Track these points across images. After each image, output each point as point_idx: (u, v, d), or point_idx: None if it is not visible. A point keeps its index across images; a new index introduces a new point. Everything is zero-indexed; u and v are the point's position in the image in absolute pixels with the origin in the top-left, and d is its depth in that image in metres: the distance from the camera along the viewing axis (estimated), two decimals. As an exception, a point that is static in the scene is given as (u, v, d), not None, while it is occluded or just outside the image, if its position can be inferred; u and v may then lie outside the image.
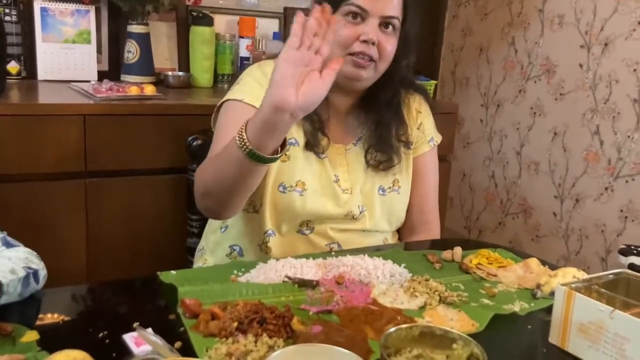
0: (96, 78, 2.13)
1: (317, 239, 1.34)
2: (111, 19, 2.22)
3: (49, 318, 0.91)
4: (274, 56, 1.31)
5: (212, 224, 1.47)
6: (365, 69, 1.25)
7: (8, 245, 1.10)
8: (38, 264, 0.98)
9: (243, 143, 1.04)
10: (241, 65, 2.33)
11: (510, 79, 3.00)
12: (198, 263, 1.50)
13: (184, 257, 1.71)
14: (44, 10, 2.05)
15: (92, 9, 2.13)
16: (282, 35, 2.40)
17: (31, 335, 0.87)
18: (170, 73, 2.21)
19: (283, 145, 1.07)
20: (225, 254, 1.40)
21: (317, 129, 1.31)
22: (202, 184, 1.24)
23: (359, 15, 1.24)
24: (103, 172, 1.75)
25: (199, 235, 1.75)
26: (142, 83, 2.05)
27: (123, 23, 2.23)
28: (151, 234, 1.86)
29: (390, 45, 1.27)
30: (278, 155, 1.07)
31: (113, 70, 2.24)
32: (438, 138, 1.48)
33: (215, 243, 1.43)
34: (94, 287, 1.11)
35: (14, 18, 2.04)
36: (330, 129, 1.34)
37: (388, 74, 1.33)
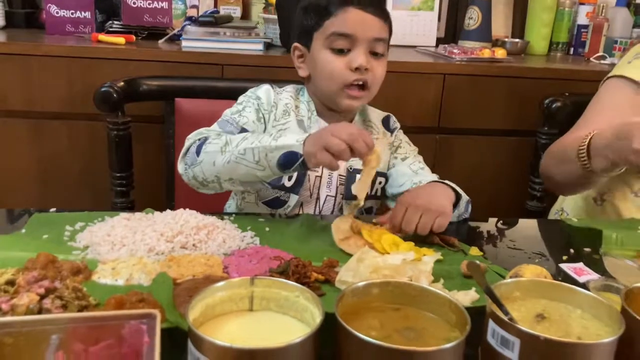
0: (434, 44, 2.25)
1: None
2: (453, -13, 2.32)
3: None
4: None
5: None
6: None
7: None
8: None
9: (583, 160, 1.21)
10: (578, 33, 2.26)
11: None
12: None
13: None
14: (400, -22, 2.22)
15: (439, -25, 2.24)
16: (627, 1, 2.26)
17: (475, 251, 0.99)
18: (507, 39, 2.24)
19: None
20: None
21: None
22: (544, 166, 1.40)
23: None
24: (454, 129, 1.85)
25: (540, 199, 1.76)
26: (480, 49, 2.11)
27: (463, -10, 2.31)
28: (490, 192, 1.91)
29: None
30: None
31: (449, 36, 2.35)
32: None
33: None
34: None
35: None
36: None
37: None
